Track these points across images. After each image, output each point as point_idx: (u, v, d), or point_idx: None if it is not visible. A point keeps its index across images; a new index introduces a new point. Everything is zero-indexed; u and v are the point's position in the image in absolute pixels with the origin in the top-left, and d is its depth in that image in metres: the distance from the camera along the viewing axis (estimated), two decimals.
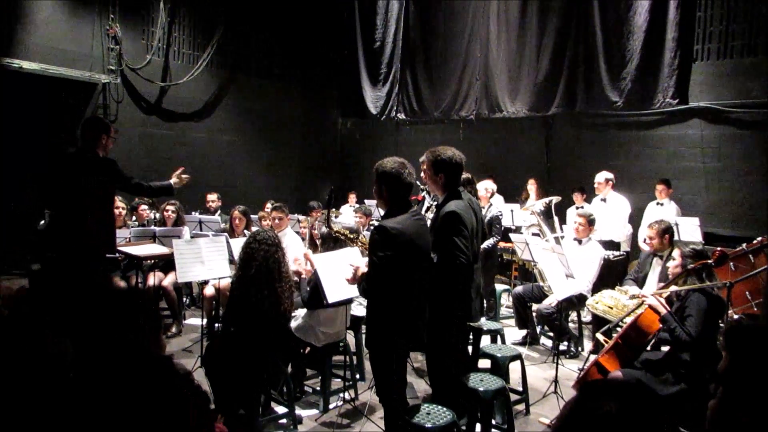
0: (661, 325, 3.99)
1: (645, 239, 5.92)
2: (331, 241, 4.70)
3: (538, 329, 6.31)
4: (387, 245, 3.28)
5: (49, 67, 8.18)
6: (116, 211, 6.38)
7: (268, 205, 7.75)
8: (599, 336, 4.50)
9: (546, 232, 6.42)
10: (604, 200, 7.59)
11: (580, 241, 6.03)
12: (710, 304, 3.93)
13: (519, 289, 6.36)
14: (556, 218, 6.79)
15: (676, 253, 4.39)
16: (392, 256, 3.28)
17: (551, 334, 6.14)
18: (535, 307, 6.13)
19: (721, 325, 3.98)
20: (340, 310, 4.63)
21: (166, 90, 9.74)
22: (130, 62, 9.17)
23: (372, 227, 6.54)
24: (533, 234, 6.82)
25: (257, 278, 4.02)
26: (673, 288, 4.19)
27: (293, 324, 4.53)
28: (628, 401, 1.27)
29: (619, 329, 4.40)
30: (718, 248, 4.47)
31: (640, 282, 5.40)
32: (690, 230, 6.86)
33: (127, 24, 9.11)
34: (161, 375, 1.60)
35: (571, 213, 6.81)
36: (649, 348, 4.49)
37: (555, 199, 6.93)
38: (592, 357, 4.69)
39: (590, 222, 5.99)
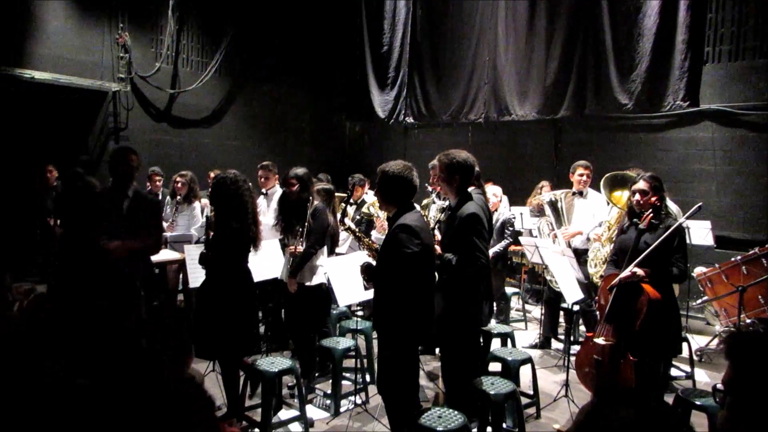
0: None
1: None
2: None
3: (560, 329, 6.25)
4: (413, 241, 3.34)
5: (60, 77, 8.25)
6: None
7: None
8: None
9: (553, 224, 6.31)
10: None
11: (581, 193, 6.15)
12: (684, 233, 4.32)
13: (548, 291, 6.19)
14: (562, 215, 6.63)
15: (642, 184, 4.29)
16: (419, 252, 3.34)
17: (562, 337, 6.10)
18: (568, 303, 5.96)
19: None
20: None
21: (176, 97, 9.80)
22: (140, 70, 9.23)
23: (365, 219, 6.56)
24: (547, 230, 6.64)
25: (252, 209, 4.21)
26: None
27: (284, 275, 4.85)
28: (645, 407, 1.26)
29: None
30: None
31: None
32: (701, 234, 6.79)
33: (137, 32, 9.18)
34: (160, 377, 1.58)
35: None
36: None
37: (560, 192, 6.76)
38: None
39: (591, 171, 6.24)
